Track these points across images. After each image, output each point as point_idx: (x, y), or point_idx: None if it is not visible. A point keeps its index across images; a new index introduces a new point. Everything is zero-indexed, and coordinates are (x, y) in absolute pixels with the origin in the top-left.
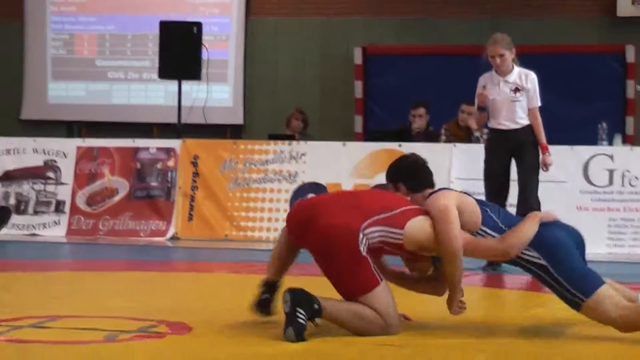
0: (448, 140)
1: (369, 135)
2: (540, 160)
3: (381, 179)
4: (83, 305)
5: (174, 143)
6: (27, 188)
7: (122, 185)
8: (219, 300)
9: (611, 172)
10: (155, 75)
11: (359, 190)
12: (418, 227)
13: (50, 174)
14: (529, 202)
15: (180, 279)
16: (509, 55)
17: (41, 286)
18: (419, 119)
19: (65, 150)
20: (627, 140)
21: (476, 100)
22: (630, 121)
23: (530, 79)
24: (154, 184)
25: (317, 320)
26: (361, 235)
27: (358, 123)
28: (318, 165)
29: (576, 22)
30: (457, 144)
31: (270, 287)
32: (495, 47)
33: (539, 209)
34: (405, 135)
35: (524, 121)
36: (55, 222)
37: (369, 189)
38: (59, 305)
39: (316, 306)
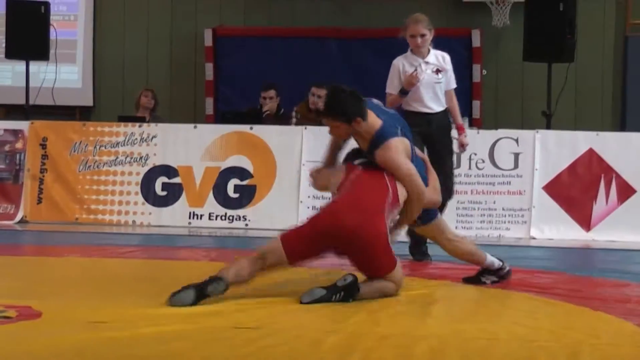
0: (299, 123)
1: (220, 117)
2: (457, 142)
3: (232, 161)
4: None
5: (22, 125)
6: None
7: None
8: (69, 285)
9: (458, 155)
10: (2, 55)
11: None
12: (404, 194)
13: None
14: (448, 184)
15: (29, 263)
16: (429, 35)
17: None
18: (270, 101)
19: None
20: (473, 123)
21: (397, 82)
22: (476, 105)
23: (447, 60)
24: (1, 166)
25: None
26: (385, 224)
27: (209, 105)
28: (169, 147)
29: (422, 6)
30: (308, 127)
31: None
32: (417, 26)
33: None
34: (256, 117)
35: (445, 103)
36: None
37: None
38: None
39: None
